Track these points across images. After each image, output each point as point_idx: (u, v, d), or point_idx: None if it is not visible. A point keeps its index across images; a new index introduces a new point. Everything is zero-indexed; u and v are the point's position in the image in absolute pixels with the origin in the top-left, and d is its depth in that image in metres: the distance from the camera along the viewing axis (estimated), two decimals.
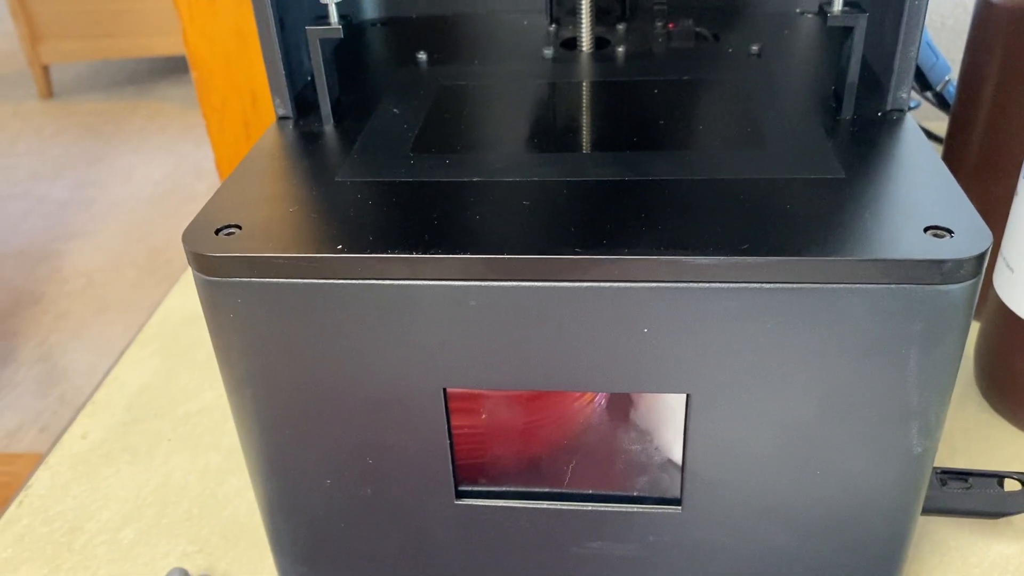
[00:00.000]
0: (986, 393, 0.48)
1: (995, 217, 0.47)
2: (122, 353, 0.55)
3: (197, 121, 2.15)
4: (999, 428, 0.46)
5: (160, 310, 0.59)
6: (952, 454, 0.45)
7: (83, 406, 0.51)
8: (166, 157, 2.11)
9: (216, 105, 0.80)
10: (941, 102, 0.62)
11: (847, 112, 0.36)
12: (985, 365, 0.48)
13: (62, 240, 1.95)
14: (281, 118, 0.38)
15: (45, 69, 2.41)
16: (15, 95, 2.48)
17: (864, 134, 0.34)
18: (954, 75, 0.61)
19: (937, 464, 0.38)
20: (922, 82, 0.61)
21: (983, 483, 0.38)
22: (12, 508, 0.44)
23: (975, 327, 0.51)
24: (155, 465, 0.46)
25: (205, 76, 0.80)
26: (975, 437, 0.46)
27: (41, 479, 0.46)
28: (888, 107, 0.36)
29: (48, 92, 2.45)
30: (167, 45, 2.26)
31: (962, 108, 0.50)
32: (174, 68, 2.07)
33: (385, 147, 0.35)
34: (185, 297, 0.61)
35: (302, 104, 0.39)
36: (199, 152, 2.16)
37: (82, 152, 2.16)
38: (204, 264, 0.29)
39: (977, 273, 0.27)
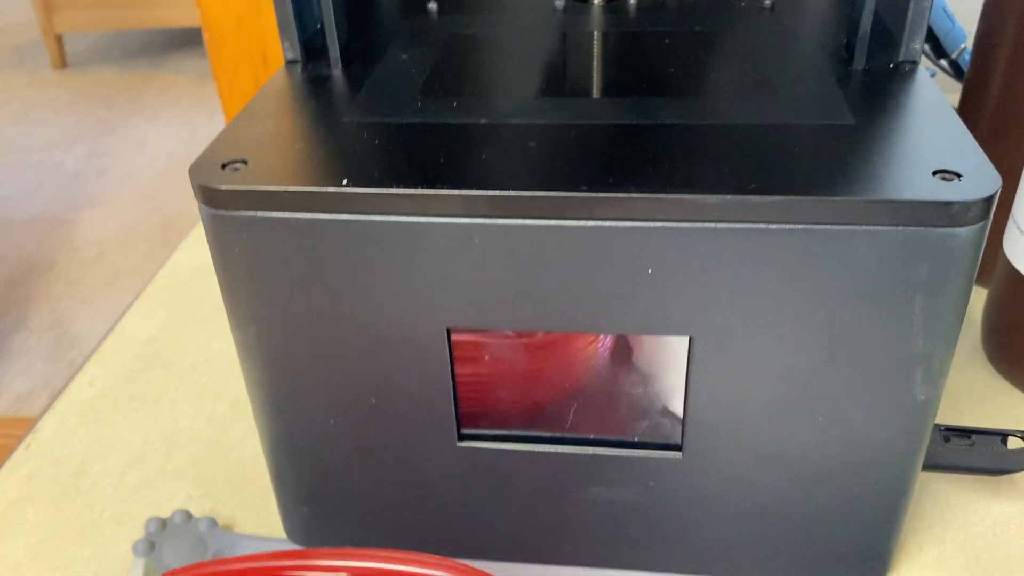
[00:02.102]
0: (992, 357, 0.48)
1: (1007, 181, 0.47)
2: (130, 305, 0.56)
3: (210, 93, 2.15)
4: (1006, 392, 0.46)
5: (168, 264, 0.60)
6: (957, 417, 0.45)
7: (91, 355, 0.52)
8: (179, 128, 2.11)
9: (227, 67, 0.80)
10: (956, 71, 0.61)
11: (859, 63, 0.36)
12: (992, 329, 0.47)
13: (75, 209, 1.96)
14: (290, 62, 0.38)
15: (59, 39, 2.41)
16: (29, 65, 2.49)
17: (875, 84, 0.34)
18: (970, 43, 0.60)
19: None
20: (937, 49, 0.61)
21: (986, 440, 0.38)
22: (20, 450, 0.44)
23: (983, 293, 0.50)
24: (161, 412, 0.47)
25: (217, 38, 0.80)
26: (980, 400, 0.46)
27: (48, 424, 0.46)
28: (900, 58, 0.36)
29: (62, 62, 2.45)
30: (181, 16, 2.26)
31: (976, 73, 0.50)
32: (187, 40, 2.07)
33: (393, 90, 0.35)
34: (193, 252, 0.61)
35: (311, 50, 0.39)
36: (212, 123, 2.16)
37: (95, 122, 2.16)
38: (211, 197, 0.29)
39: (985, 216, 0.27)
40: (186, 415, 0.46)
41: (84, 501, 0.41)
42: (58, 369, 1.56)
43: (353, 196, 0.29)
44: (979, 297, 0.51)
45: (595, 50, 0.39)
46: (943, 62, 0.61)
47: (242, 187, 0.29)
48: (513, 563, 0.37)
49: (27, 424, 1.44)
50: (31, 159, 2.07)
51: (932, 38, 0.60)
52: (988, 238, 0.29)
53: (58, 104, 2.25)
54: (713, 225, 0.28)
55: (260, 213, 0.29)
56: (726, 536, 0.35)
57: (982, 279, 0.51)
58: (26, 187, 1.99)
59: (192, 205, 1.95)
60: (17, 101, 2.29)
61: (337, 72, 0.37)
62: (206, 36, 0.80)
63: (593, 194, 0.28)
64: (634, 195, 0.28)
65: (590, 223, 0.28)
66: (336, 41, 0.37)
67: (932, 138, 0.30)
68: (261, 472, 0.42)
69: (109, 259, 1.84)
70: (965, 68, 0.61)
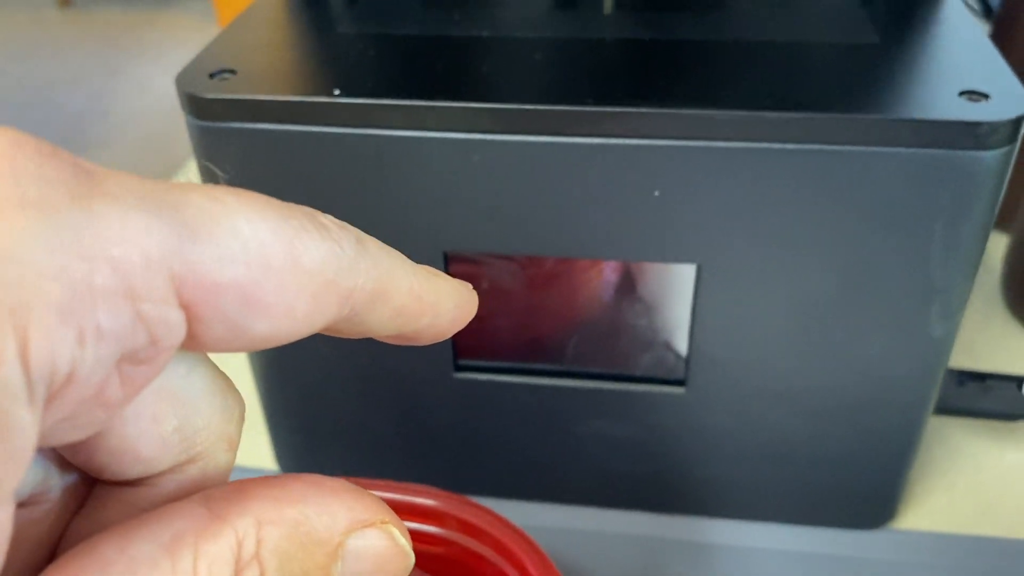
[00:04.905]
0: (1012, 305, 0.46)
1: None
2: None
3: (214, 34, 2.12)
4: (1023, 340, 0.45)
5: None
6: (974, 364, 0.43)
7: None
8: None
9: None
10: (986, 9, 0.59)
11: None
12: (1013, 276, 0.46)
13: (78, 150, 1.94)
14: None
15: None
16: (33, 2, 2.45)
17: (902, 4, 0.32)
18: None
19: None
20: None
21: (1001, 385, 0.37)
22: None
23: (1003, 240, 0.49)
24: None
25: None
26: (998, 348, 0.44)
27: None
28: None
29: (66, 0, 2.42)
30: None
31: (1007, 10, 0.48)
32: None
33: (392, 2, 0.33)
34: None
35: None
36: None
37: (99, 63, 2.13)
38: (198, 107, 0.28)
39: (1012, 140, 0.26)
40: None
41: None
42: None
43: (345, 107, 0.27)
44: (998, 244, 0.49)
45: None
46: (971, 0, 0.59)
47: (230, 96, 0.27)
48: (510, 500, 0.36)
49: None
50: (35, 99, 2.05)
51: None
52: (1009, 183, 0.27)
53: (61, 43, 2.22)
54: (726, 144, 0.26)
55: (249, 125, 0.28)
56: (729, 476, 0.34)
57: (1002, 225, 0.49)
58: (28, 127, 1.96)
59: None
60: (21, 40, 2.26)
61: None
62: None
63: (600, 108, 0.26)
64: (643, 110, 0.26)
65: (596, 140, 0.27)
66: None
67: (959, 59, 0.28)
68: (251, 401, 0.41)
69: None
70: (994, 7, 0.58)
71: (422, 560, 0.26)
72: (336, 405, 0.34)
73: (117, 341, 0.11)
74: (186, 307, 0.12)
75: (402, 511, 0.26)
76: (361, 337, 0.15)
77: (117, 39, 2.23)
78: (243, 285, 0.12)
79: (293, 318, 0.13)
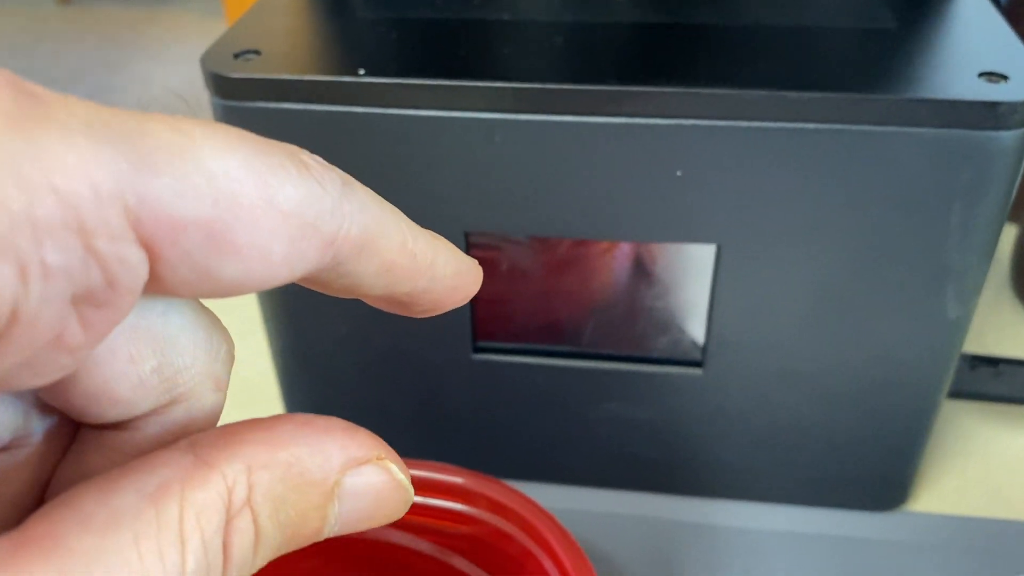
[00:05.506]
0: (1021, 294, 0.47)
1: None
2: None
3: (216, 30, 2.12)
4: None
5: None
6: (984, 352, 0.44)
7: None
8: (185, 67, 2.09)
9: None
10: (993, 2, 0.59)
11: None
12: (1022, 265, 0.46)
13: None
14: None
15: None
16: None
17: None
18: None
19: None
20: None
21: (1012, 370, 0.37)
22: None
23: (1013, 230, 0.49)
24: None
25: None
26: (1007, 336, 0.45)
27: None
28: None
29: None
30: None
31: (1017, 4, 0.48)
32: None
33: None
34: None
35: None
36: None
37: (100, 59, 2.13)
38: (223, 87, 0.28)
39: None
40: None
41: None
42: None
43: (369, 87, 0.27)
44: (1007, 233, 0.50)
45: None
46: None
47: (256, 75, 0.28)
48: (527, 481, 0.36)
49: None
50: None
51: None
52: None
53: (62, 40, 2.22)
54: (747, 124, 0.26)
55: (274, 104, 0.28)
56: (744, 458, 0.34)
57: (1013, 215, 0.49)
58: None
59: None
60: (21, 37, 2.26)
61: None
62: None
63: (622, 88, 0.26)
64: (665, 90, 0.26)
65: (618, 120, 0.27)
66: None
67: (978, 41, 0.29)
68: (269, 387, 0.42)
69: None
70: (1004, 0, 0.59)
71: (450, 538, 0.26)
72: (354, 386, 0.34)
73: (67, 279, 0.10)
74: (147, 246, 0.11)
75: (431, 489, 0.26)
76: (349, 295, 0.14)
77: (117, 36, 2.23)
78: (209, 223, 0.11)
79: (268, 263, 0.12)
